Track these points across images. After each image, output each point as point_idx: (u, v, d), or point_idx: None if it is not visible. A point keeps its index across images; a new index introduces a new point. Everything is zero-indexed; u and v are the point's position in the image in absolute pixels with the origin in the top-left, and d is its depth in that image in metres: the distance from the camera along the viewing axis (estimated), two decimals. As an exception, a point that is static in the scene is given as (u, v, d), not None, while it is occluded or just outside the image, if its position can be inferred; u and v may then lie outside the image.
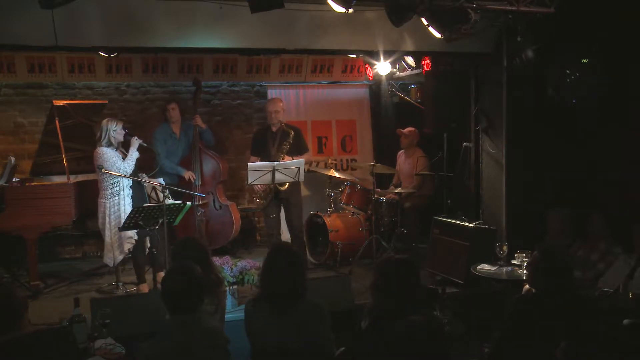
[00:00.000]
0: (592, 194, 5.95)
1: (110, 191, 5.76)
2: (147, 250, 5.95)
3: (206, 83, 8.13)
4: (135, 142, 5.88)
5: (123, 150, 5.91)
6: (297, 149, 6.45)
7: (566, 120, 6.19)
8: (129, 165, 5.78)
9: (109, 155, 5.71)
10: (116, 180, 5.75)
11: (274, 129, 6.45)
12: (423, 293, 3.43)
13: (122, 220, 5.62)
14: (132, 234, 5.82)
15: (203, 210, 6.79)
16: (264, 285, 3.47)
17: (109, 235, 5.78)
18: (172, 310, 3.12)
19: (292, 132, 6.40)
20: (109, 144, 5.78)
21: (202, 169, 6.91)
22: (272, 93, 8.39)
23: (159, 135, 6.83)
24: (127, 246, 5.88)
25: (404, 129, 7.62)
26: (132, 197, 5.85)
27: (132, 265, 6.15)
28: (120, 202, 5.77)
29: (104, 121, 5.88)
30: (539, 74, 6.07)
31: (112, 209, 5.76)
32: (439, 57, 6.96)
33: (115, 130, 5.79)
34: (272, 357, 3.35)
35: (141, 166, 6.10)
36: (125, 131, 5.86)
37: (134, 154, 5.85)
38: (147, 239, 5.91)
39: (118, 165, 5.71)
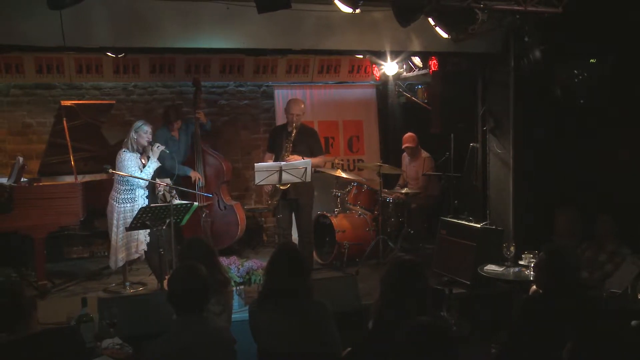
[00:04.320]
0: (600, 194, 5.93)
1: (122, 196, 5.74)
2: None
3: (213, 83, 8.16)
4: (156, 150, 5.79)
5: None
6: (310, 151, 6.39)
7: (574, 120, 6.17)
8: (144, 176, 5.70)
9: (124, 158, 5.68)
10: (129, 186, 5.72)
11: (289, 128, 6.38)
12: (430, 295, 3.43)
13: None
14: (144, 245, 5.81)
15: (208, 211, 6.79)
16: (267, 285, 3.48)
17: (115, 239, 5.78)
18: (179, 310, 3.13)
19: (294, 131, 6.32)
20: (132, 148, 5.76)
21: (205, 169, 6.92)
22: (279, 93, 8.40)
23: (159, 139, 6.80)
24: (136, 256, 5.89)
25: (405, 136, 7.63)
26: None
27: (149, 267, 6.18)
28: (133, 209, 5.65)
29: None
30: (546, 74, 6.05)
31: (122, 215, 5.72)
32: (446, 57, 6.95)
33: (137, 131, 5.74)
34: (278, 358, 3.35)
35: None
36: (147, 139, 5.77)
37: (152, 165, 5.76)
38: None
39: (128, 171, 5.65)
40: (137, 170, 5.70)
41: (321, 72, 8.44)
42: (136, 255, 5.91)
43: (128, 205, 5.75)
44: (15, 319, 2.93)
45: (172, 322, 3.20)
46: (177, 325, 3.13)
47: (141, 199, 5.81)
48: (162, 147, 5.87)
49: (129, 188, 5.74)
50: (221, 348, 3.17)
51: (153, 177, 5.86)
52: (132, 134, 5.77)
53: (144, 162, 5.81)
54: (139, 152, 5.82)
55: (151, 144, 5.81)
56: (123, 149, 5.78)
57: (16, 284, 3.43)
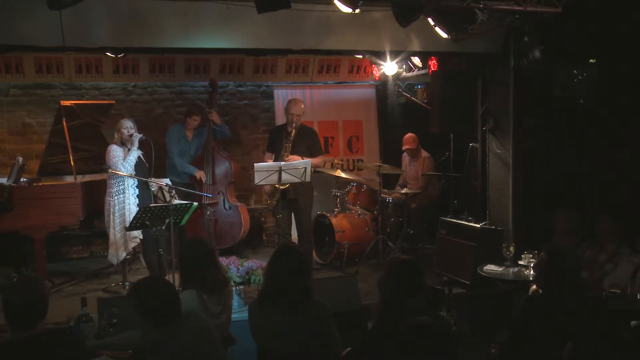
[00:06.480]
0: (600, 194, 5.93)
1: (115, 189, 5.82)
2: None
3: (213, 83, 8.16)
4: (135, 139, 5.86)
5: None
6: (310, 151, 6.38)
7: (574, 120, 6.17)
8: (127, 166, 5.77)
9: (110, 150, 5.81)
10: (120, 179, 5.80)
11: (289, 128, 6.39)
12: (429, 294, 3.43)
13: (127, 219, 5.70)
14: (137, 233, 5.84)
15: (213, 210, 6.80)
16: (267, 285, 3.48)
17: (113, 233, 5.84)
18: (157, 323, 3.15)
19: (294, 131, 6.33)
20: (120, 142, 5.87)
21: (214, 168, 6.92)
22: (278, 93, 8.40)
23: (173, 134, 6.86)
24: (132, 245, 5.91)
25: (405, 137, 7.64)
26: (139, 196, 5.87)
27: (146, 266, 6.17)
28: (125, 200, 5.82)
29: None
30: (546, 74, 6.05)
31: (117, 207, 5.81)
32: (446, 57, 6.96)
33: (118, 128, 5.89)
34: (278, 358, 3.35)
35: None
36: (128, 133, 5.84)
37: (133, 153, 5.82)
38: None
39: (114, 162, 5.75)
40: (120, 162, 5.77)
41: (321, 72, 8.44)
42: (133, 244, 5.94)
43: (121, 196, 5.83)
44: (33, 317, 2.94)
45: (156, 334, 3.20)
46: (159, 336, 3.13)
47: (131, 189, 5.87)
48: (139, 136, 5.88)
49: (120, 180, 5.82)
50: (206, 344, 3.20)
51: (144, 175, 5.89)
52: (115, 132, 5.92)
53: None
54: (127, 147, 5.89)
55: (132, 135, 5.86)
56: (111, 144, 5.90)
57: (41, 281, 3.45)
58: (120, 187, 5.83)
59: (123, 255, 5.91)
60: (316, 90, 8.60)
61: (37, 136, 7.58)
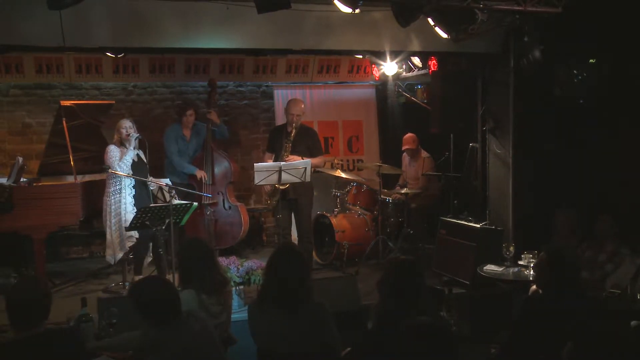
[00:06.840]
0: (600, 194, 5.93)
1: (112, 189, 5.84)
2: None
3: (212, 83, 8.16)
4: (132, 139, 5.86)
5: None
6: (310, 151, 6.39)
7: (574, 120, 6.18)
8: (123, 166, 5.78)
9: (108, 150, 5.83)
10: (117, 178, 5.80)
11: (289, 128, 6.40)
12: (429, 294, 3.42)
13: (123, 219, 5.72)
14: (133, 232, 5.84)
15: (212, 210, 6.80)
16: (267, 286, 3.48)
17: (110, 232, 5.85)
18: (157, 323, 3.15)
19: (294, 131, 6.34)
20: (119, 142, 5.89)
21: (214, 168, 6.92)
22: (278, 93, 8.39)
23: (171, 134, 6.86)
24: (128, 244, 5.91)
25: (405, 137, 7.64)
26: (135, 196, 5.87)
27: (133, 257, 6.17)
28: (121, 200, 5.82)
29: None
30: (546, 74, 6.05)
31: (113, 207, 5.82)
32: (446, 57, 6.95)
33: (117, 129, 5.91)
34: (278, 358, 3.35)
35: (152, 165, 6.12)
36: (126, 132, 5.85)
37: (129, 153, 5.83)
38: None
39: (111, 162, 5.77)
40: (117, 160, 5.79)
41: (321, 72, 8.43)
42: (129, 243, 5.93)
43: (117, 196, 5.84)
44: (36, 316, 2.94)
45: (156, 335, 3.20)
46: (160, 338, 3.13)
47: (128, 189, 5.88)
48: (136, 135, 5.89)
49: (117, 180, 5.84)
50: (206, 346, 3.20)
51: (144, 175, 5.91)
52: (115, 132, 5.95)
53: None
54: (125, 147, 5.90)
55: (129, 135, 5.86)
56: (110, 144, 5.92)
57: (44, 281, 3.46)
58: (118, 187, 5.84)
59: (120, 255, 5.90)
60: (316, 90, 8.60)
61: (37, 136, 7.58)
